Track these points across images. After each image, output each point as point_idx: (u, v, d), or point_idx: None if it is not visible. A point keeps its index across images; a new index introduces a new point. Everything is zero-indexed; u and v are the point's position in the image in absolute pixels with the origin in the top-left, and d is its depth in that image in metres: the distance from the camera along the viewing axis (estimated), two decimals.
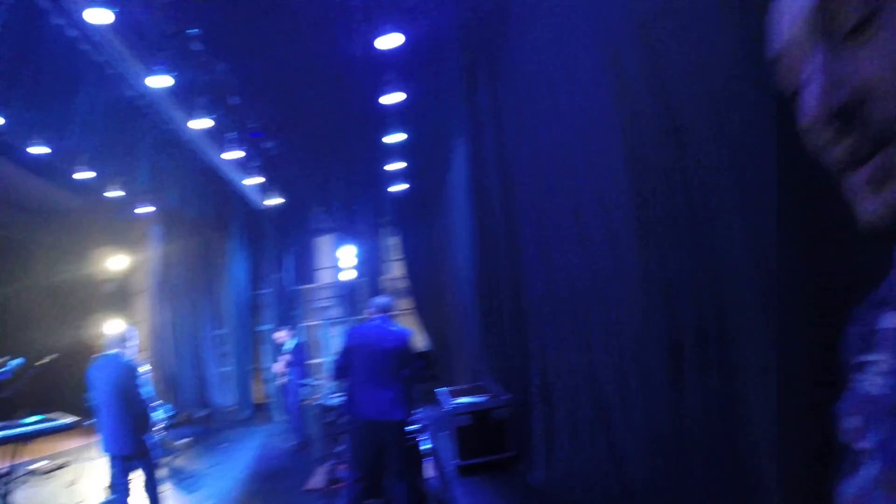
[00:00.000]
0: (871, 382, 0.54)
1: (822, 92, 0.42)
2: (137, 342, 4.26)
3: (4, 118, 5.62)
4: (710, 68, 1.92)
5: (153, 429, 4.14)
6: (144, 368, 4.11)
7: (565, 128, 3.06)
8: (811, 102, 0.43)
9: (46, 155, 6.61)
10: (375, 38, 4.58)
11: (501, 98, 4.11)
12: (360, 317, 9.38)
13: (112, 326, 4.94)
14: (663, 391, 2.46)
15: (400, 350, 3.89)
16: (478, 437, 5.02)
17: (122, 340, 4.06)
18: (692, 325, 2.22)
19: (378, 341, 3.87)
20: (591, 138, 2.70)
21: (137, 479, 3.95)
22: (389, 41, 4.61)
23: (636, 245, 2.44)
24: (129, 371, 3.95)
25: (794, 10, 0.45)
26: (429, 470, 4.88)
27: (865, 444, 0.52)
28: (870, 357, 0.55)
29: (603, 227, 2.72)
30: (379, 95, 5.58)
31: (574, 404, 3.58)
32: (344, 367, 3.96)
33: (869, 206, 0.44)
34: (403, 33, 4.48)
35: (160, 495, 4.05)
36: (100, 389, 3.90)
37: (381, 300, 4.12)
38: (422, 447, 5.11)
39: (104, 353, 4.10)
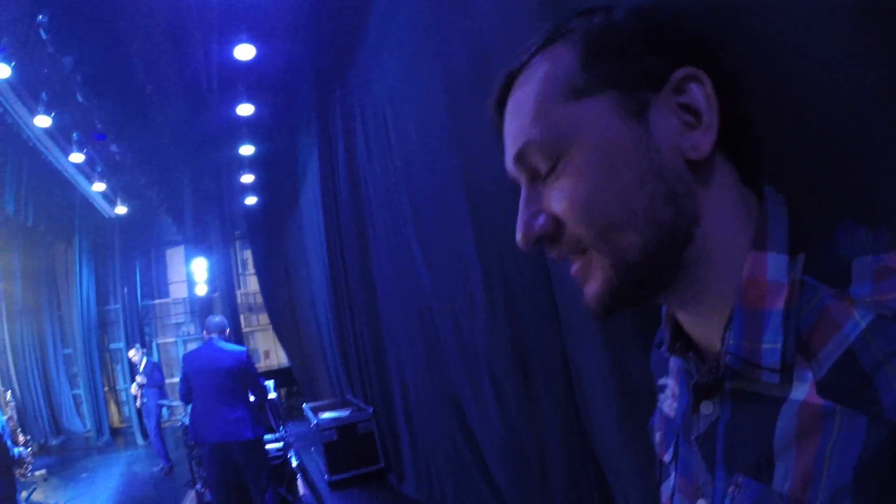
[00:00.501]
0: (666, 404, 0.62)
1: (527, 219, 0.53)
2: None
3: None
4: None
5: (21, 468, 3.54)
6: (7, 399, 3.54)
7: (412, 155, 3.15)
8: (521, 226, 0.53)
9: None
10: (231, 47, 4.43)
11: (353, 119, 4.13)
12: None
13: None
14: (514, 399, 2.60)
15: (239, 368, 3.83)
16: (346, 451, 5.00)
17: None
18: (534, 337, 2.38)
19: (215, 362, 3.79)
20: (435, 166, 2.81)
21: None
22: (244, 52, 4.48)
23: (479, 264, 2.57)
24: None
25: (508, 152, 0.56)
26: (300, 487, 4.79)
27: (667, 457, 0.60)
28: (665, 381, 0.63)
29: (449, 248, 2.83)
30: (233, 106, 5.37)
31: (436, 415, 3.67)
32: (188, 394, 3.85)
33: (584, 295, 0.54)
34: (258, 46, 4.37)
35: None
36: None
37: (215, 320, 4.03)
38: (290, 464, 4.99)
39: None
